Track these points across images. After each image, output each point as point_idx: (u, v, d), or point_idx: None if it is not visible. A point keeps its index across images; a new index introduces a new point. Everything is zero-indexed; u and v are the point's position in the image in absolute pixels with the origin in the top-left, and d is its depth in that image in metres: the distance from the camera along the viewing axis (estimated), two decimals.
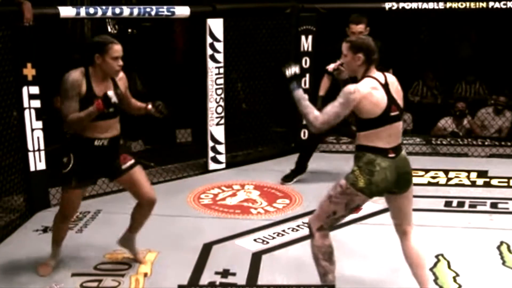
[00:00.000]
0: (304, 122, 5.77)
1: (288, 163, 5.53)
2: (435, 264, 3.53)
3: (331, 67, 3.30)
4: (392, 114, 2.75)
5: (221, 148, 5.34)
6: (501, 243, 3.80)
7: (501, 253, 3.68)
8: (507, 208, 4.44)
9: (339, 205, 2.82)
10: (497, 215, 4.31)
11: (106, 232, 3.89)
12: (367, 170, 2.74)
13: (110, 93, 2.96)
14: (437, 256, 3.60)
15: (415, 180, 4.90)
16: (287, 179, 4.98)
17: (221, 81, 5.20)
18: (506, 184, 4.95)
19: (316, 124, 2.77)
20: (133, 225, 3.44)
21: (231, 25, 5.22)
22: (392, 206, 2.97)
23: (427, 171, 5.23)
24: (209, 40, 5.09)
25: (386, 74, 2.84)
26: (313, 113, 2.79)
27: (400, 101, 2.81)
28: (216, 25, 5.09)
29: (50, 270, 3.37)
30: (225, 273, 3.44)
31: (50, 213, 4.40)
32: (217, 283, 3.33)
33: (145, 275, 3.40)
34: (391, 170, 2.75)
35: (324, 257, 2.88)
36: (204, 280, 3.36)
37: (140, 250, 3.54)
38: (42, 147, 4.28)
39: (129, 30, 6.74)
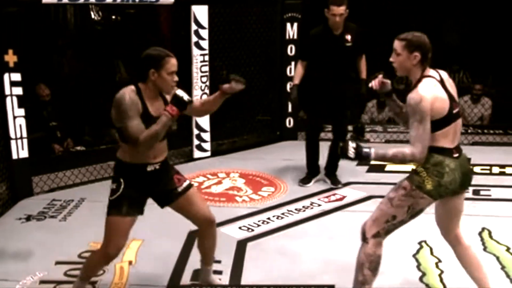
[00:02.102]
0: (290, 110, 5.84)
1: (273, 151, 5.56)
2: (418, 251, 3.58)
3: (375, 84, 2.79)
4: (455, 111, 2.62)
5: (206, 136, 5.34)
6: (483, 229, 3.85)
7: (482, 239, 3.74)
8: (489, 195, 4.50)
9: (401, 208, 2.64)
10: (479, 202, 4.36)
11: (90, 220, 3.88)
12: (435, 172, 2.59)
13: (179, 92, 2.67)
14: (420, 243, 3.65)
15: (399, 167, 4.99)
16: (303, 182, 4.74)
17: (206, 68, 5.19)
18: (488, 172, 5.01)
19: (419, 159, 2.56)
20: (205, 257, 3.08)
21: (216, 12, 5.20)
22: (446, 208, 2.79)
23: None
24: (194, 27, 5.06)
25: (438, 70, 2.68)
26: (406, 155, 2.56)
27: (456, 97, 2.69)
28: (201, 12, 5.06)
29: None
30: None
31: (32, 201, 4.39)
32: None
33: (130, 263, 3.40)
34: (458, 171, 2.62)
35: (371, 266, 2.70)
36: (190, 267, 3.37)
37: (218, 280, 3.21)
38: (24, 135, 4.25)
39: (113, 17, 6.66)
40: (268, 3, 5.57)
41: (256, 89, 5.82)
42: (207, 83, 5.21)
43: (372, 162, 5.17)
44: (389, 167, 5.09)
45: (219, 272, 3.31)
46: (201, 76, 5.18)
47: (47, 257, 3.43)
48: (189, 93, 5.17)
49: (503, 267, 3.38)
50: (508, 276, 3.28)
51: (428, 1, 5.41)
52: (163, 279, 3.24)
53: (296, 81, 4.53)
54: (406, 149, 2.57)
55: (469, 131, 6.08)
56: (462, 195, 2.78)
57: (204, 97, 5.22)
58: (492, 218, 4.03)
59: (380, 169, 5.03)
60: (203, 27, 5.09)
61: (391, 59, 2.67)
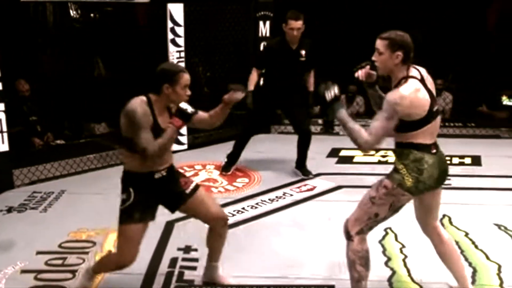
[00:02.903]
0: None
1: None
2: (383, 237, 3.61)
3: (361, 74, 2.68)
4: (435, 109, 2.57)
5: (183, 129, 5.30)
6: (444, 216, 3.91)
7: (443, 225, 3.78)
8: (449, 184, 4.55)
9: (383, 206, 2.58)
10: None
11: (70, 212, 3.84)
12: (415, 169, 2.53)
13: (183, 104, 2.65)
14: (385, 230, 3.68)
15: (366, 159, 5.04)
16: (226, 170, 4.79)
17: (183, 64, 5.14)
18: (448, 162, 5.04)
19: (367, 148, 2.52)
20: (212, 253, 3.02)
21: (191, 10, 5.16)
22: (423, 203, 2.75)
23: (377, 150, 5.29)
24: (170, 24, 5.03)
25: (418, 68, 2.60)
26: (362, 137, 2.50)
27: (434, 92, 2.61)
28: (176, 10, 5.02)
29: None
30: (187, 249, 3.44)
31: (13, 194, 4.32)
32: (180, 258, 3.33)
33: (109, 252, 3.37)
34: (436, 167, 2.57)
35: (361, 262, 2.64)
36: (168, 255, 3.36)
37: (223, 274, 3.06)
38: (4, 129, 4.17)
39: (92, 15, 6.56)
40: (241, 2, 5.56)
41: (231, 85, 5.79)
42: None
43: (341, 154, 5.27)
44: (357, 158, 5.13)
45: (195, 260, 3.31)
46: None
47: (28, 247, 3.37)
48: None
49: (462, 251, 3.43)
50: (466, 259, 3.34)
51: (389, 1, 5.47)
52: (141, 266, 3.21)
53: (251, 87, 4.50)
54: (363, 133, 2.51)
55: None
56: (439, 190, 2.75)
57: None
58: (452, 205, 4.09)
59: (348, 160, 5.07)
60: (179, 25, 5.05)
61: (373, 58, 2.58)
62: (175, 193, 2.85)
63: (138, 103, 2.64)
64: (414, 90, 2.48)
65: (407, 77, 2.52)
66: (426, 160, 2.55)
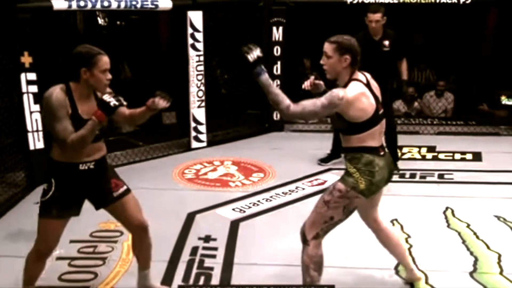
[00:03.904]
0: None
1: (262, 141, 5.57)
2: None
3: (307, 85, 2.63)
4: (380, 112, 2.49)
5: (203, 128, 5.33)
6: (447, 208, 3.90)
7: (446, 217, 3.78)
8: (452, 178, 4.55)
9: (337, 209, 2.49)
10: (444, 185, 4.42)
11: None
12: (367, 172, 2.45)
13: (106, 97, 2.33)
14: (392, 221, 3.67)
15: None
16: (325, 160, 4.76)
17: (201, 68, 5.17)
18: (451, 158, 5.06)
19: (287, 113, 2.40)
20: (139, 261, 2.79)
21: (210, 17, 5.18)
22: (368, 200, 2.62)
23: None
24: (190, 30, 5.04)
25: (364, 73, 2.54)
26: (284, 102, 2.39)
27: (380, 97, 2.54)
28: (196, 17, 5.04)
29: None
30: (207, 238, 3.47)
31: None
32: (200, 247, 3.35)
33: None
34: (386, 168, 2.51)
35: (315, 267, 2.54)
36: (189, 244, 3.38)
37: (158, 284, 2.90)
38: (40, 128, 4.22)
39: (118, 22, 6.61)
40: (256, 9, 5.56)
41: (247, 86, 5.81)
42: (203, 81, 5.20)
43: None
44: None
45: (215, 249, 3.33)
46: (197, 75, 5.16)
47: (62, 237, 3.39)
48: (186, 90, 5.22)
49: (463, 241, 3.42)
50: (468, 249, 3.33)
51: (393, 6, 5.44)
52: (165, 254, 3.25)
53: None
54: (287, 100, 2.38)
55: (434, 122, 6.14)
56: (381, 193, 2.68)
57: (200, 93, 5.22)
58: (454, 198, 4.07)
59: None
60: (198, 31, 5.07)
61: (321, 62, 2.47)
62: (101, 192, 2.56)
63: (53, 92, 2.34)
64: (359, 93, 2.41)
65: (353, 79, 2.44)
66: (377, 162, 2.47)
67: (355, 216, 2.72)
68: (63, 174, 2.45)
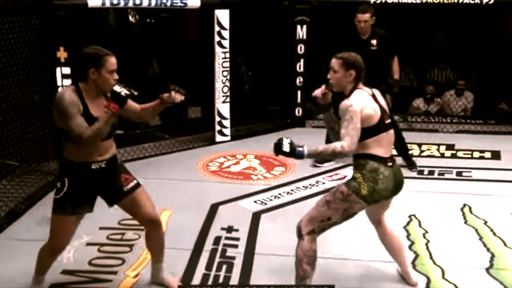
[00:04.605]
0: (299, 101, 5.80)
1: (284, 136, 5.53)
2: (408, 223, 3.57)
3: (318, 92, 2.64)
4: (386, 122, 2.51)
5: (227, 123, 5.34)
6: (464, 205, 3.83)
7: (463, 214, 3.72)
8: (470, 176, 4.47)
9: (337, 211, 2.48)
10: (462, 182, 4.34)
11: None
12: (371, 178, 2.44)
13: (117, 88, 2.35)
14: (410, 216, 3.64)
15: (392, 152, 4.95)
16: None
17: (227, 64, 5.17)
18: (469, 156, 4.97)
19: (348, 152, 2.41)
20: (152, 255, 2.78)
21: (236, 15, 5.17)
22: (375, 207, 2.64)
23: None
24: (216, 28, 5.05)
25: (372, 88, 2.59)
26: (336, 147, 2.41)
27: (388, 111, 2.58)
28: (223, 15, 5.04)
29: None
30: (230, 229, 3.48)
31: None
32: (223, 237, 3.37)
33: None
34: (391, 179, 2.48)
35: (308, 261, 2.53)
36: (212, 234, 3.40)
37: (171, 277, 2.85)
38: None
39: (148, 20, 6.65)
40: (281, 8, 5.53)
41: (270, 83, 5.80)
42: (228, 77, 5.21)
43: None
44: None
45: (237, 239, 3.34)
46: (223, 71, 5.17)
47: (92, 224, 3.45)
48: (212, 85, 5.23)
49: (480, 238, 3.37)
50: (485, 245, 3.27)
51: (416, 6, 5.36)
52: (189, 243, 3.28)
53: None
54: (336, 144, 2.42)
55: (454, 120, 6.04)
56: (391, 199, 2.64)
57: (225, 89, 5.23)
58: (472, 196, 4.00)
59: None
60: (224, 28, 5.07)
61: (328, 76, 2.54)
62: (112, 187, 2.55)
63: (65, 92, 2.36)
64: (362, 98, 2.46)
65: (356, 89, 2.50)
66: (382, 171, 2.46)
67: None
68: (76, 173, 2.47)
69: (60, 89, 2.28)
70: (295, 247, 2.59)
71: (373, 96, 2.55)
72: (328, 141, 4.57)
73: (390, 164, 2.51)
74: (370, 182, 2.45)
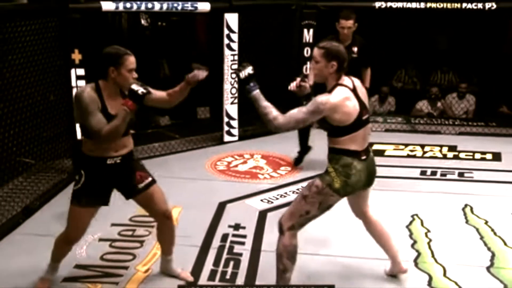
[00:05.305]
0: (305, 103, 5.77)
1: (290, 137, 5.52)
2: (411, 222, 3.55)
3: (293, 86, 2.63)
4: (364, 118, 2.45)
5: (235, 123, 5.35)
6: (466, 205, 3.81)
7: (465, 214, 3.70)
8: (472, 177, 4.45)
9: (313, 204, 2.47)
10: (463, 183, 4.32)
11: None
12: (343, 173, 2.43)
13: (134, 86, 2.37)
14: (412, 216, 3.63)
15: (396, 153, 4.95)
16: (298, 162, 4.62)
17: (236, 66, 5.18)
18: (471, 157, 4.94)
19: (275, 124, 2.36)
20: (162, 247, 2.83)
21: (245, 19, 5.18)
22: (354, 199, 2.67)
23: (406, 145, 5.23)
24: (226, 31, 5.06)
25: (352, 78, 2.49)
26: (272, 113, 2.36)
27: (367, 103, 2.50)
28: (232, 19, 5.05)
29: (48, 284, 2.74)
30: (237, 226, 3.48)
31: None
32: (230, 234, 3.37)
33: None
34: (364, 172, 2.47)
35: (288, 256, 2.52)
36: (220, 232, 3.40)
37: (180, 269, 2.89)
38: None
39: (159, 23, 6.67)
40: (288, 12, 5.53)
41: (277, 85, 5.78)
42: (236, 79, 5.21)
43: (373, 148, 5.18)
44: (388, 152, 5.04)
45: (244, 236, 3.34)
46: (231, 73, 5.18)
47: (104, 220, 3.47)
48: (221, 87, 5.24)
49: (481, 237, 3.35)
50: (485, 244, 3.25)
51: (419, 11, 5.33)
52: (197, 240, 3.28)
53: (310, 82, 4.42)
54: (274, 111, 2.36)
55: (456, 123, 6.01)
56: (368, 189, 2.63)
57: (233, 91, 5.23)
58: (473, 196, 3.98)
59: (380, 153, 4.99)
60: (233, 32, 5.08)
61: (310, 65, 2.44)
62: (127, 184, 2.59)
63: (84, 89, 2.39)
64: (343, 98, 2.37)
65: (338, 85, 2.41)
66: (355, 165, 2.44)
67: (345, 204, 2.67)
68: (92, 167, 2.52)
69: (78, 88, 2.32)
70: (278, 243, 2.56)
71: (354, 90, 2.44)
72: (302, 140, 4.56)
73: (364, 157, 2.47)
74: (343, 176, 2.43)
